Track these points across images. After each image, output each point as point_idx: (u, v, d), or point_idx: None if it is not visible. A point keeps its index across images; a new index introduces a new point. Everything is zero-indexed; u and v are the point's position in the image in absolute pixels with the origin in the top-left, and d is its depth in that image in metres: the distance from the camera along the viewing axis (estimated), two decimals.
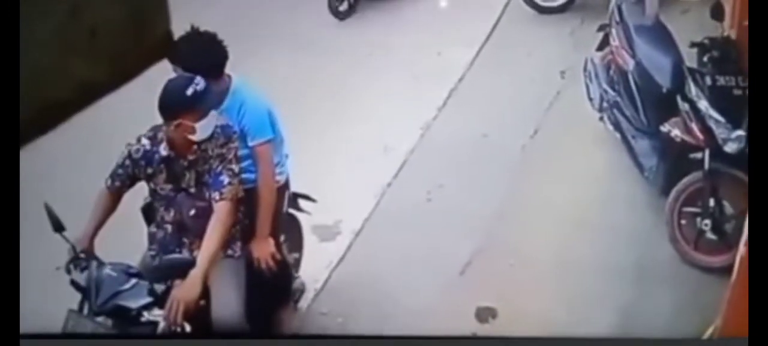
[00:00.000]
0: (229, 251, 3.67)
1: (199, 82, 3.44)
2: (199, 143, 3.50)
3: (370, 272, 4.79)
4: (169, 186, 3.60)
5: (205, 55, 3.71)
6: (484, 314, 4.50)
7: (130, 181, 3.66)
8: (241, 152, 3.70)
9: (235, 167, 3.53)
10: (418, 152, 5.77)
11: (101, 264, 3.50)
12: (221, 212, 3.47)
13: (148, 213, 3.84)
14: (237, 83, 3.82)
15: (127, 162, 3.62)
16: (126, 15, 0.82)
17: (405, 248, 4.90)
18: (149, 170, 3.60)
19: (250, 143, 3.78)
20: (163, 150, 3.55)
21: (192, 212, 3.58)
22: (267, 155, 3.80)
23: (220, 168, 3.49)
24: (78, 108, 0.82)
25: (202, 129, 3.47)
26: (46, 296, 3.73)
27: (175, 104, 3.44)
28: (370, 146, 5.75)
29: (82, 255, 3.50)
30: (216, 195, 3.48)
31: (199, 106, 3.43)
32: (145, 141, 3.60)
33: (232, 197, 3.51)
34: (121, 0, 0.82)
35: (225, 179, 3.49)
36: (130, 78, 0.85)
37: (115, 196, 3.66)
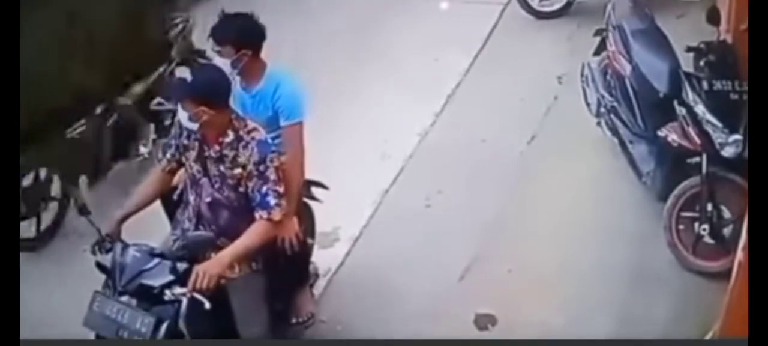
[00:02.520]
0: (253, 264, 3.71)
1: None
2: (221, 144, 3.56)
3: (369, 279, 4.79)
4: (196, 166, 3.67)
5: (240, 32, 3.85)
6: (483, 321, 4.50)
7: (180, 155, 3.72)
8: (273, 134, 3.83)
9: (281, 188, 3.58)
10: (416, 158, 5.77)
11: (126, 246, 3.62)
12: (263, 229, 3.56)
13: (167, 203, 3.92)
14: (273, 68, 3.98)
15: (177, 130, 3.71)
16: (123, 23, 0.83)
17: (404, 254, 4.90)
18: (186, 141, 3.68)
19: (283, 123, 3.91)
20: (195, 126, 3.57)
21: (208, 199, 3.65)
22: (298, 136, 3.93)
23: (265, 189, 3.54)
24: (76, 115, 0.82)
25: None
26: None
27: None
28: (368, 153, 5.76)
29: (108, 238, 3.63)
30: (263, 213, 3.55)
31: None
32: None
33: (280, 219, 3.58)
34: (118, 9, 0.82)
35: (271, 200, 3.55)
36: (127, 86, 0.86)
37: (167, 177, 3.80)
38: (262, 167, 3.53)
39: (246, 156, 3.54)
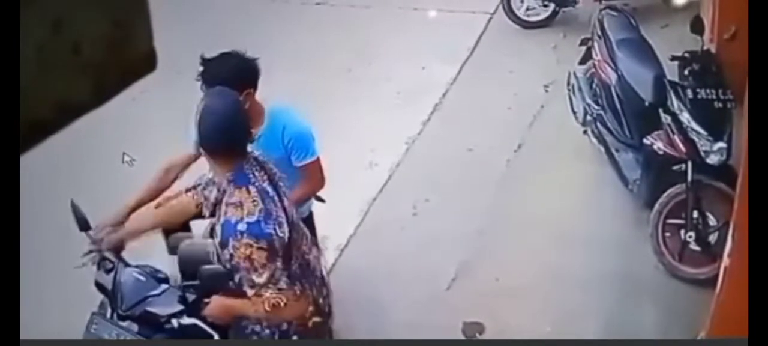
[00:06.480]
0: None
1: None
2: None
3: (356, 288, 4.77)
4: None
5: (239, 71, 3.60)
6: (471, 330, 4.49)
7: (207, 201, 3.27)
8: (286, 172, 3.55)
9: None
10: (403, 167, 5.77)
11: (126, 265, 3.40)
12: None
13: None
14: (273, 107, 3.78)
15: (215, 193, 3.22)
16: (109, 32, 0.82)
17: (391, 263, 4.89)
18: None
19: (297, 164, 3.78)
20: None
21: None
22: (319, 170, 3.88)
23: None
24: (58, 127, 0.82)
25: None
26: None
27: None
28: (355, 161, 5.75)
29: (109, 254, 3.39)
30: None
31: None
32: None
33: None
34: (104, 16, 0.81)
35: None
36: (111, 96, 0.85)
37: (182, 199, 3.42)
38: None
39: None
